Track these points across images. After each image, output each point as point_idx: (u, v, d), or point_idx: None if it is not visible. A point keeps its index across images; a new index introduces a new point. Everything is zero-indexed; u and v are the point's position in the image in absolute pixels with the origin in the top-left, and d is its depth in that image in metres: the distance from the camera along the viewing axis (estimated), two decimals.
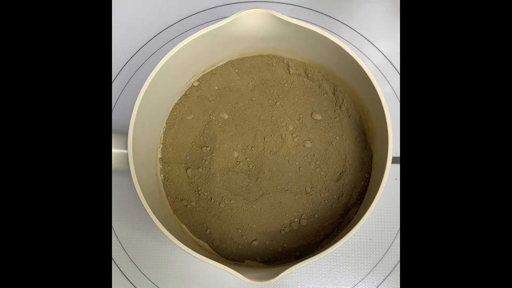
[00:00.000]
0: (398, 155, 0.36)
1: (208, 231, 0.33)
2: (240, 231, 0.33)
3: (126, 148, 0.29)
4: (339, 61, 0.32)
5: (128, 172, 0.28)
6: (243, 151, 0.34)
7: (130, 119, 0.29)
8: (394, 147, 0.29)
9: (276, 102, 0.35)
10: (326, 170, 0.34)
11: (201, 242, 0.33)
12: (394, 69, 0.38)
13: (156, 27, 0.40)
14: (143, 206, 0.28)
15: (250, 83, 0.36)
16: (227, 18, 0.29)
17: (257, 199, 0.33)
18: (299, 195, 0.33)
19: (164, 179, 0.35)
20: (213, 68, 0.36)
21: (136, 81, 0.39)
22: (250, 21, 0.30)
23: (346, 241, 0.27)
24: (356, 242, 0.35)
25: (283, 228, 0.33)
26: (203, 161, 0.34)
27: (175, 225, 0.33)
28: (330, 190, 0.33)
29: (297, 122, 0.35)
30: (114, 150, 0.31)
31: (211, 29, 0.29)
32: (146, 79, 0.29)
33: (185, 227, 0.34)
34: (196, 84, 0.36)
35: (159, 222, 0.28)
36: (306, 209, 0.33)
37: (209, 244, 0.33)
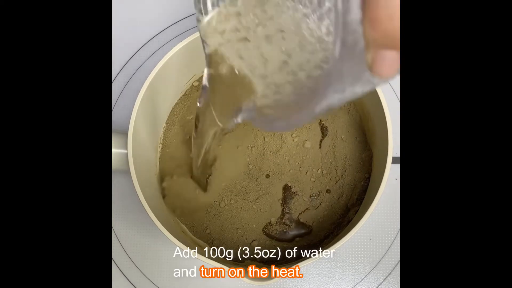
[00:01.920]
0: (398, 155, 0.35)
1: (208, 231, 0.33)
2: (240, 231, 0.33)
3: (126, 148, 0.29)
4: None
5: (128, 172, 0.28)
6: (243, 151, 0.34)
7: (130, 119, 0.29)
8: (394, 147, 0.29)
9: None
10: (326, 170, 0.34)
11: (201, 242, 0.33)
12: None
13: (156, 27, 0.40)
14: (143, 206, 0.28)
15: None
16: None
17: (257, 199, 0.33)
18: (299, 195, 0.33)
19: None
20: None
21: (136, 81, 0.39)
22: None
23: (346, 241, 0.27)
24: (356, 242, 0.35)
25: (283, 228, 0.33)
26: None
27: (175, 225, 0.33)
28: (330, 190, 0.33)
29: None
30: (114, 150, 0.31)
31: None
32: (146, 79, 0.29)
33: (185, 227, 0.34)
34: (196, 84, 0.36)
35: (159, 222, 0.28)
36: (306, 209, 0.33)
37: (208, 244, 0.33)
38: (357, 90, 0.17)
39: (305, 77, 0.19)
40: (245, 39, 0.21)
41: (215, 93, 0.23)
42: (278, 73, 0.20)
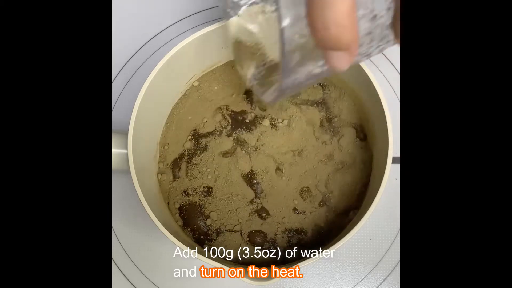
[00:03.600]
0: (398, 155, 0.35)
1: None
2: (240, 232, 0.33)
3: (126, 148, 0.29)
4: None
5: (128, 172, 0.28)
6: (243, 151, 0.34)
7: (130, 119, 0.29)
8: (394, 147, 0.29)
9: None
10: (326, 170, 0.34)
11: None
12: (394, 69, 0.38)
13: (156, 27, 0.40)
14: (143, 206, 0.28)
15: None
16: None
17: (257, 200, 0.33)
18: (300, 195, 0.33)
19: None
20: (213, 68, 0.36)
21: (136, 81, 0.39)
22: None
23: (346, 241, 0.27)
24: (356, 242, 0.35)
25: (284, 228, 0.33)
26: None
27: (175, 225, 0.33)
28: (330, 191, 0.33)
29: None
30: (114, 150, 0.31)
31: (211, 29, 0.29)
32: (146, 79, 0.29)
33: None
34: (196, 84, 0.36)
35: (159, 222, 0.28)
36: (307, 210, 0.33)
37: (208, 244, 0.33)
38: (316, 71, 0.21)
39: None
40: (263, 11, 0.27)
41: (238, 52, 0.30)
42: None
